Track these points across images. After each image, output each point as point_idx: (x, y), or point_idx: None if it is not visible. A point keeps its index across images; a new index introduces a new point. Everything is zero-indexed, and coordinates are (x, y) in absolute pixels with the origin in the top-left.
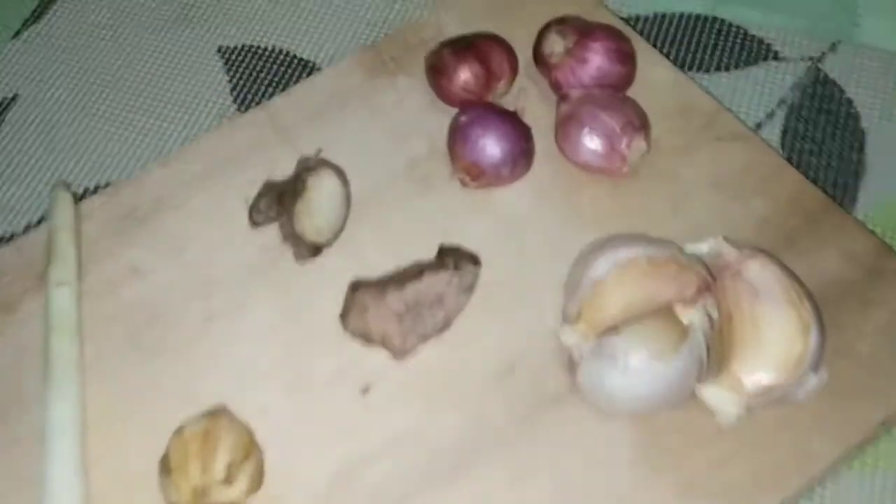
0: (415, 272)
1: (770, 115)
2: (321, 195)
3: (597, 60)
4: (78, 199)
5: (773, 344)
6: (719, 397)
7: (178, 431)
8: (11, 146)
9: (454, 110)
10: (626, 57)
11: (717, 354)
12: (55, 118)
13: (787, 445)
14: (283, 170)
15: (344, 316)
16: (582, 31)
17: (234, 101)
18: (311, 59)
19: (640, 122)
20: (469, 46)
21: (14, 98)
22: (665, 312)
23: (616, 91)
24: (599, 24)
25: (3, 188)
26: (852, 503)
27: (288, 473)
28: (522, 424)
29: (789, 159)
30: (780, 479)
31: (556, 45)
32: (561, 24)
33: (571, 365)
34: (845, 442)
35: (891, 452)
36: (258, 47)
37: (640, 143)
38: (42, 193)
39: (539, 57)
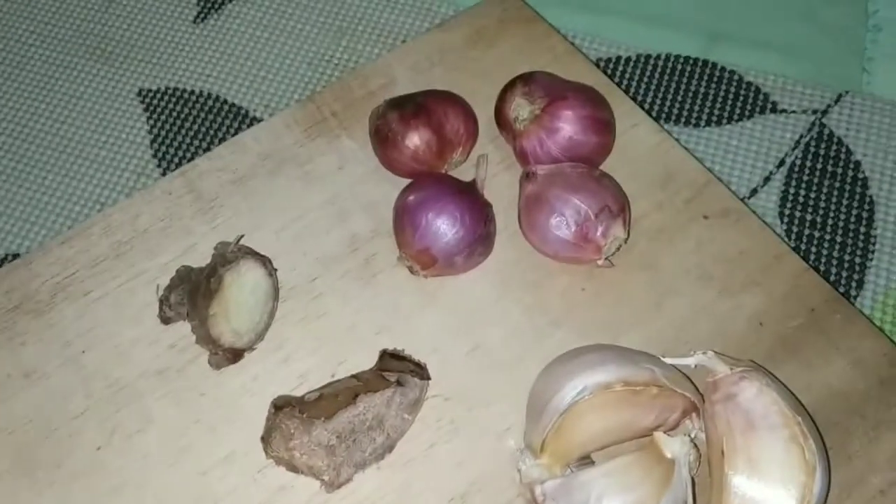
0: (348, 396)
1: (767, 180)
2: (241, 291)
3: (568, 130)
4: None
5: (771, 486)
6: None
7: None
8: None
9: (404, 180)
10: (602, 126)
11: (703, 489)
12: None
13: None
14: (203, 250)
15: (265, 440)
16: (552, 93)
17: (155, 154)
18: (244, 105)
19: (618, 207)
20: (419, 109)
21: None
22: (645, 445)
23: (591, 163)
24: (572, 85)
25: None
26: None
27: None
28: None
29: (788, 232)
30: None
31: (521, 109)
32: (527, 83)
33: (532, 502)
34: None
35: None
36: (184, 90)
37: (617, 232)
38: None
39: (502, 120)
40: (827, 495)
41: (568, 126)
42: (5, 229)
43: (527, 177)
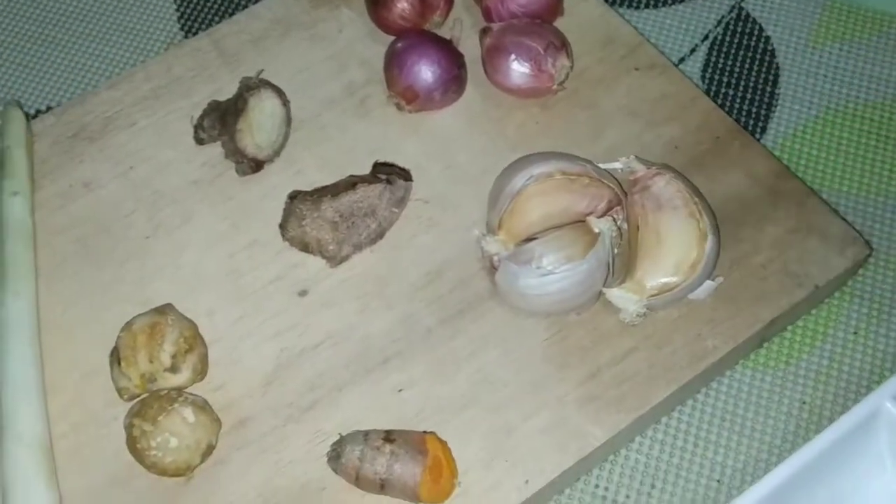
0: (349, 184)
1: (693, 50)
2: (262, 114)
3: None
4: (30, 119)
5: (672, 250)
6: (623, 298)
7: (128, 325)
8: None
9: (392, 39)
10: None
11: (624, 261)
12: (4, 44)
13: (682, 342)
14: (227, 93)
15: (283, 225)
16: None
17: (182, 28)
18: None
19: (560, 42)
20: None
21: None
22: (579, 224)
23: (544, 23)
24: None
25: None
26: (741, 397)
27: (230, 366)
28: (446, 323)
29: (707, 91)
30: (675, 372)
31: None
32: None
33: (491, 270)
34: (735, 339)
35: (773, 356)
36: None
37: (563, 61)
38: None
39: None
40: (716, 261)
41: None
42: (52, 84)
43: (484, 32)
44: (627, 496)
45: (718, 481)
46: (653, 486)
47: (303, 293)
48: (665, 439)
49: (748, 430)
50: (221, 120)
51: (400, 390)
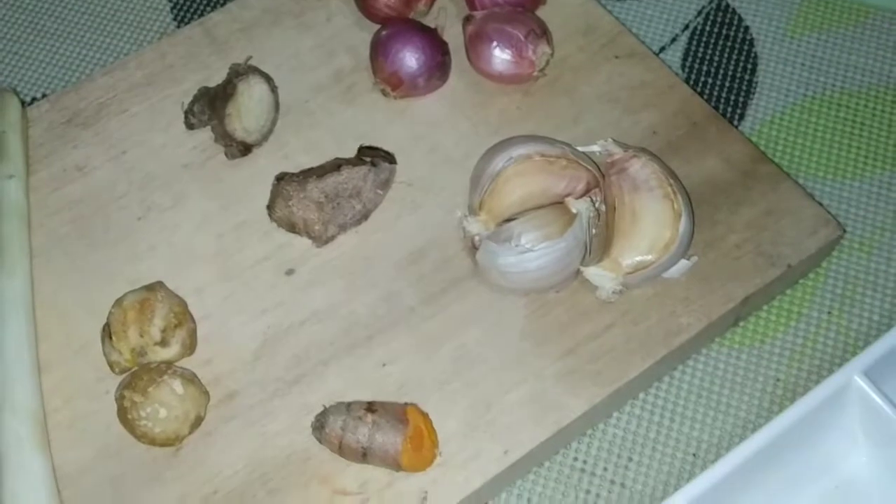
0: (334, 166)
1: (674, 40)
2: (250, 99)
3: None
4: (25, 105)
5: (647, 229)
6: (599, 276)
7: (119, 301)
8: None
9: (378, 28)
10: None
11: (602, 241)
12: (1, 34)
13: (657, 319)
14: (218, 80)
15: (270, 206)
16: None
17: (175, 18)
18: None
19: (541, 29)
20: None
21: None
22: (557, 205)
23: (526, 11)
24: None
25: None
26: (716, 374)
27: (219, 341)
28: (429, 301)
29: (687, 79)
30: (650, 348)
31: None
32: None
33: (473, 250)
34: (708, 317)
35: (748, 334)
36: None
37: (544, 48)
38: None
39: None
40: (690, 241)
41: None
42: (47, 72)
43: (467, 20)
44: (605, 468)
45: (694, 455)
46: (630, 460)
47: (290, 272)
48: (642, 414)
49: (723, 406)
50: (211, 105)
51: (384, 365)
